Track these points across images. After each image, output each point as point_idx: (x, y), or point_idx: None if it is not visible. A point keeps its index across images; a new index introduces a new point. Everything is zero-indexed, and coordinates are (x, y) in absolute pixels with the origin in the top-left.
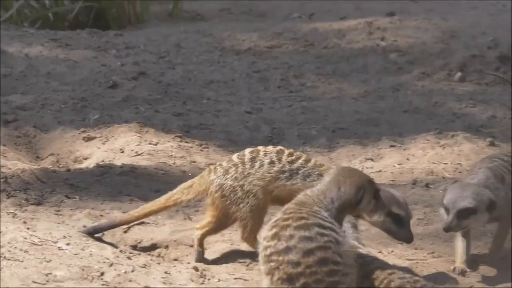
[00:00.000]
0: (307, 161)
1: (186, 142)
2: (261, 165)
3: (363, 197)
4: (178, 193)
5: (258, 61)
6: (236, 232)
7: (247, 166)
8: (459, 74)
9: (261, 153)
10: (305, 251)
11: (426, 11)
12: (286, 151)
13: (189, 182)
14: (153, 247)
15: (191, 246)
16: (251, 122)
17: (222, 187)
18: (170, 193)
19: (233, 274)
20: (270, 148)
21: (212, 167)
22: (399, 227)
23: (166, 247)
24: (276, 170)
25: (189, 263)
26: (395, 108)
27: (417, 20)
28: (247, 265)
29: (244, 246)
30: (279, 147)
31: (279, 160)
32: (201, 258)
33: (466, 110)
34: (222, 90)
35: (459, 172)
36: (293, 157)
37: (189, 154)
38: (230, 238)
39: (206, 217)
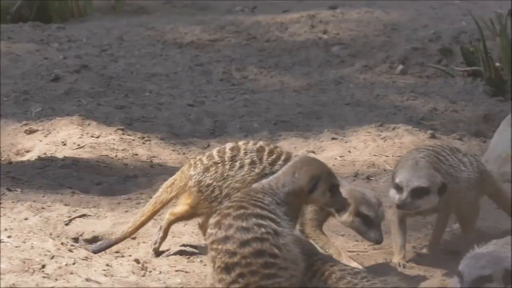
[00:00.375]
0: (287, 159)
1: (128, 135)
2: (241, 166)
3: (316, 187)
4: (163, 194)
5: (201, 54)
6: (177, 225)
7: (227, 167)
8: (400, 67)
9: (242, 151)
10: (242, 241)
11: (368, 4)
12: (267, 149)
13: (170, 180)
14: (94, 239)
15: (133, 238)
16: (193, 115)
17: (200, 183)
18: (154, 197)
19: (174, 267)
20: (250, 145)
21: (192, 161)
22: (368, 228)
23: None
24: (257, 173)
25: (130, 255)
26: (337, 101)
27: (359, 13)
28: (188, 258)
29: (185, 239)
30: (259, 144)
31: (260, 160)
32: (161, 242)
33: (407, 103)
34: (164, 83)
35: None
36: (274, 157)
37: (131, 147)
38: (172, 231)
39: (182, 206)
